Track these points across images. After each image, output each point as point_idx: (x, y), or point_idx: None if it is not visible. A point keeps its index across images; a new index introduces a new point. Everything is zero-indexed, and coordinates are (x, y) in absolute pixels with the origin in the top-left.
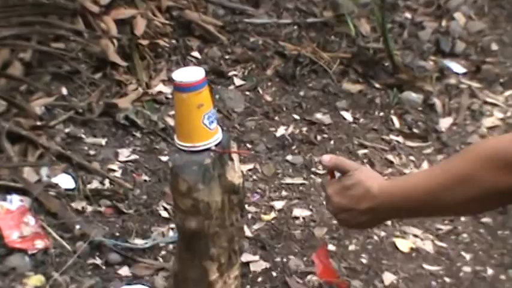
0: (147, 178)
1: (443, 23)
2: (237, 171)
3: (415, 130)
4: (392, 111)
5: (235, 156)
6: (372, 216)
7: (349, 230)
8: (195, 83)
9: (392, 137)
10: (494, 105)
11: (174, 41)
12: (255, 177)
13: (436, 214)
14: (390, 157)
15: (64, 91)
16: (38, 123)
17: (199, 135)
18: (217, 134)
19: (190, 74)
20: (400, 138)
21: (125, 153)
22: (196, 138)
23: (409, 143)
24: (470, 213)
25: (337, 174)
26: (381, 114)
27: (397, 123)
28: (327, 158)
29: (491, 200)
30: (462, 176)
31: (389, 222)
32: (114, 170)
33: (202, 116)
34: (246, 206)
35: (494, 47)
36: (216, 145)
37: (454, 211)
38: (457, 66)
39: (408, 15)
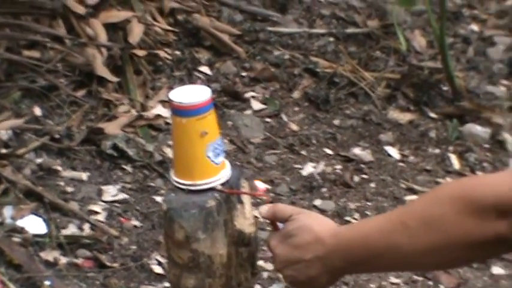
0: (137, 223)
1: None
2: (248, 217)
3: (479, 173)
4: (450, 148)
5: (246, 199)
6: (323, 269)
7: None
8: (198, 105)
9: (449, 180)
10: None
11: (178, 53)
12: None
13: (399, 266)
14: None
15: (37, 111)
16: (3, 150)
17: (201, 170)
18: (224, 170)
19: (193, 93)
20: None
21: (111, 192)
22: (197, 174)
23: None
24: (438, 267)
25: (281, 225)
26: (436, 151)
27: (456, 163)
28: (264, 208)
29: (459, 250)
30: (426, 217)
31: None
32: (96, 213)
33: (206, 147)
34: (261, 262)
35: None
36: (222, 184)
37: (417, 262)
38: None
39: (475, 27)
